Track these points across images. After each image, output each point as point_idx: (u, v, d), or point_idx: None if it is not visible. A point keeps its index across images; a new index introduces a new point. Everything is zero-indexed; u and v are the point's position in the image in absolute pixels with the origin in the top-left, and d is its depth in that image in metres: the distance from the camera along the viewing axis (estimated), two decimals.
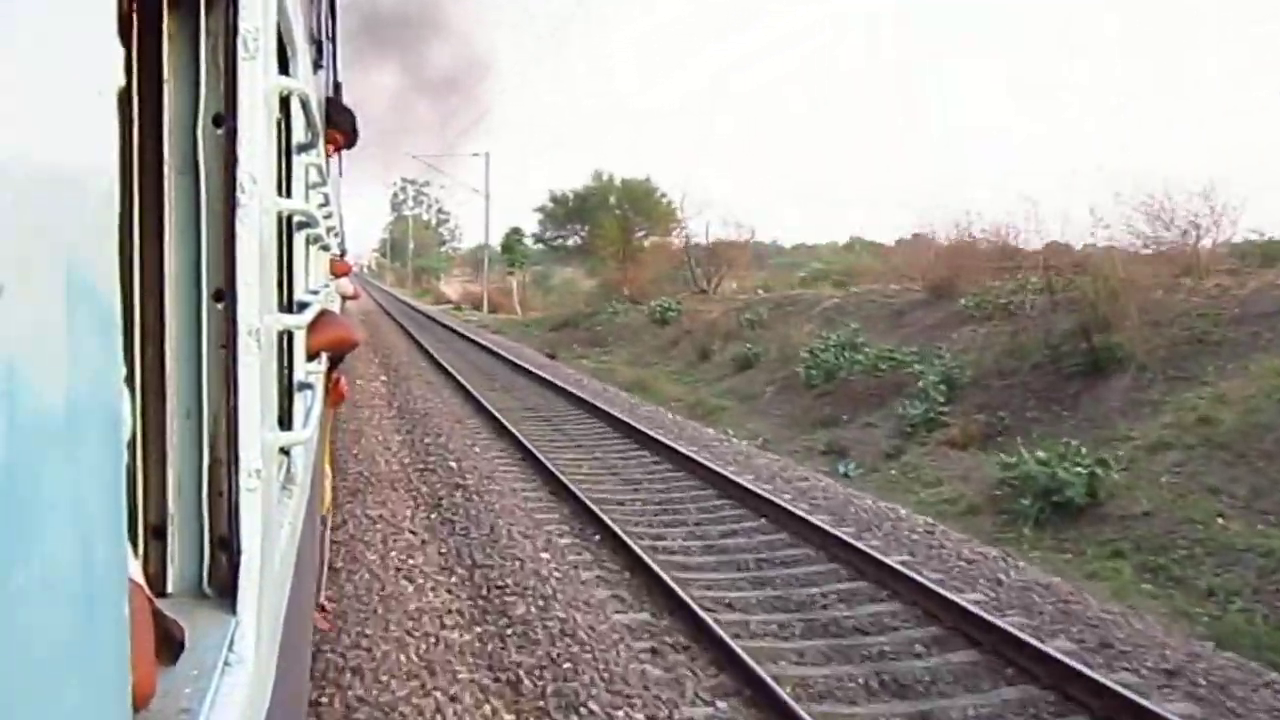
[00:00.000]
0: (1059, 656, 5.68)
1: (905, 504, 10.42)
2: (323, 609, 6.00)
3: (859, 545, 7.87)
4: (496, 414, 14.14)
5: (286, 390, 2.05)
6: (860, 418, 16.05)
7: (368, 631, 6.09)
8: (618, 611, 6.72)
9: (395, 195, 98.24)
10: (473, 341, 28.21)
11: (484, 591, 6.94)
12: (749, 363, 21.54)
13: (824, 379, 17.89)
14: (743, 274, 34.32)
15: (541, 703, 5.29)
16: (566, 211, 47.26)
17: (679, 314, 28.71)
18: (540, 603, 6.69)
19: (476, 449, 11.94)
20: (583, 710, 5.20)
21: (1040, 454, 10.48)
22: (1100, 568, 8.74)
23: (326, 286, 4.47)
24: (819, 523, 8.51)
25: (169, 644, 1.18)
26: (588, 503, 9.14)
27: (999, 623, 6.19)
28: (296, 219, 2.27)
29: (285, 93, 1.77)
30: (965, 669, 5.88)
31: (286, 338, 2.01)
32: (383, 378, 19.03)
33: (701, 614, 6.35)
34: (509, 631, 6.21)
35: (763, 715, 5.22)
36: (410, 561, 7.55)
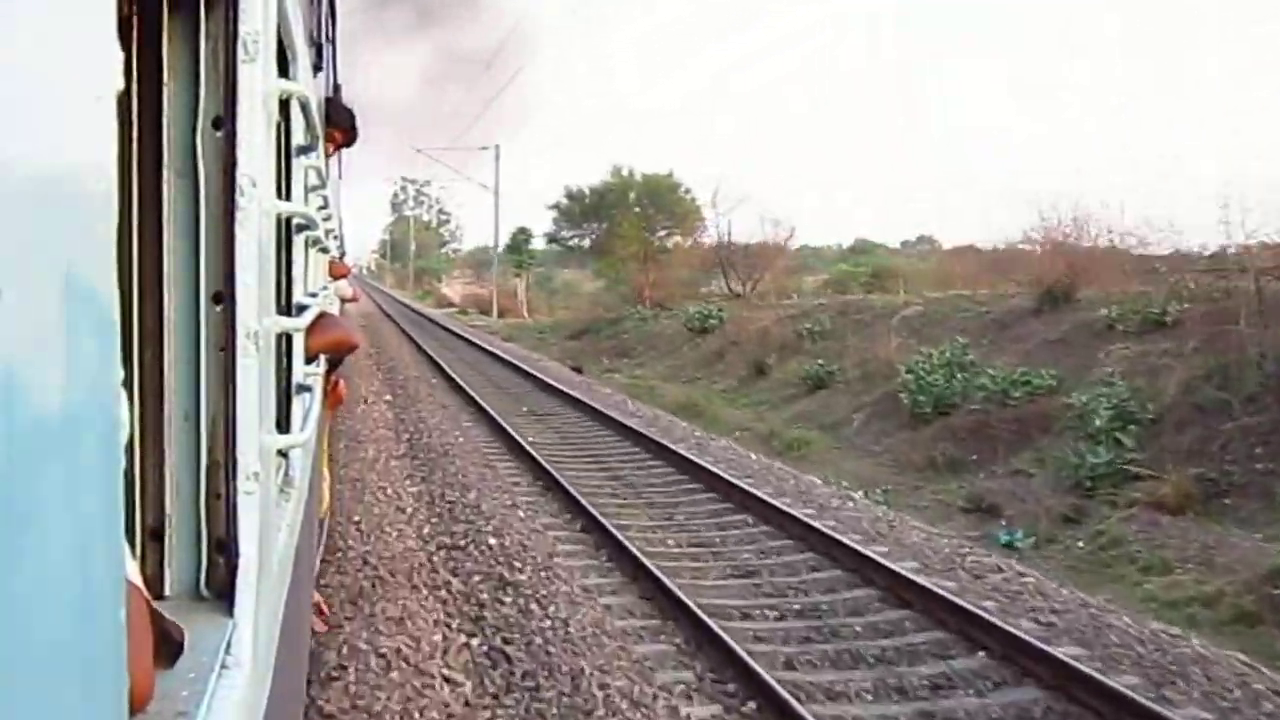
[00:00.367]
0: None
1: (1124, 599, 7.70)
2: (320, 611, 5.99)
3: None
4: (535, 454, 11.25)
5: (285, 393, 2.06)
6: (999, 461, 12.81)
7: None
8: None
9: (395, 195, 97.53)
10: (485, 351, 25.48)
11: None
12: (821, 382, 18.77)
13: (933, 407, 14.89)
14: (782, 277, 31.97)
15: None
16: (584, 209, 45.15)
17: (720, 322, 25.75)
18: None
19: (520, 512, 8.95)
20: None
21: None
22: None
23: (325, 289, 4.47)
24: (1090, 672, 5.33)
25: (167, 646, 1.18)
26: (711, 625, 6.03)
27: None
28: (296, 221, 2.27)
29: (285, 95, 1.78)
30: None
31: (285, 340, 2.02)
32: (387, 398, 16.29)
33: None
34: None
35: None
36: None
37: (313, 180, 3.19)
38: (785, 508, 8.90)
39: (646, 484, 10.66)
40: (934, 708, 5.25)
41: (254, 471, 1.42)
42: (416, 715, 4.99)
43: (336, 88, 6.11)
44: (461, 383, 17.90)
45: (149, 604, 1.15)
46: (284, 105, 1.94)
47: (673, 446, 11.85)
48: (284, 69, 1.93)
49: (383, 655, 5.62)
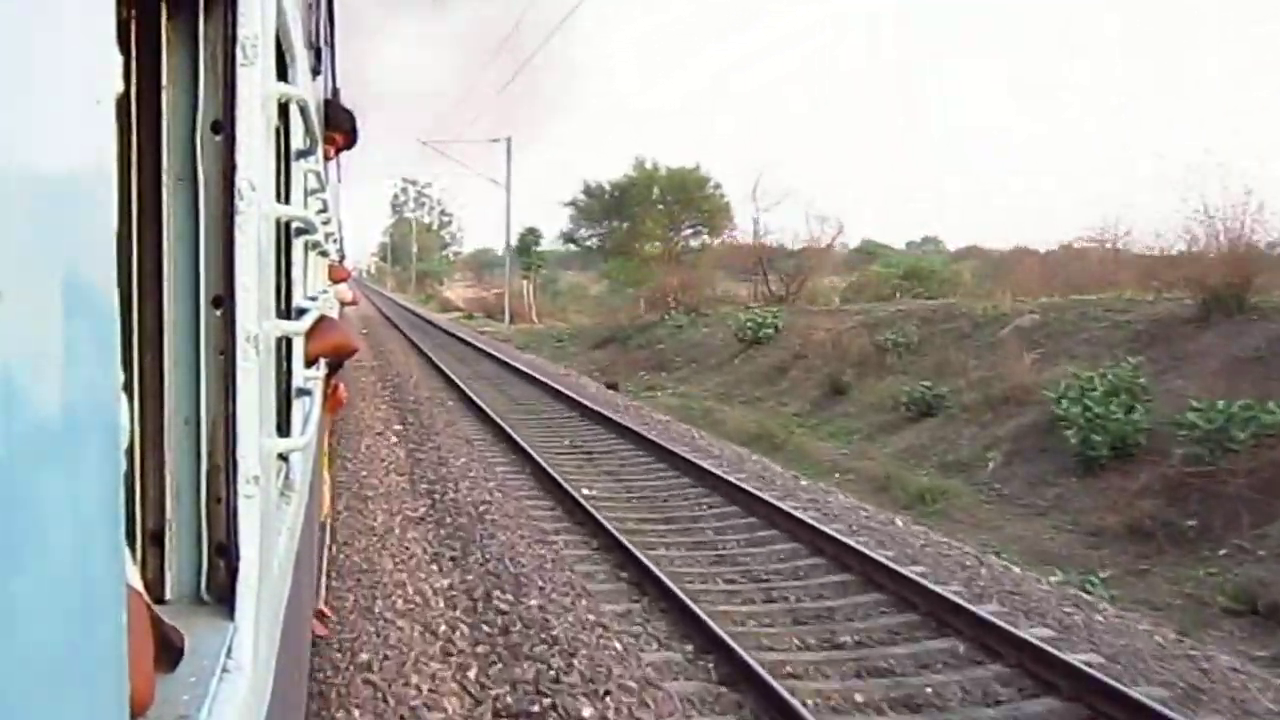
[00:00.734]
0: None
1: None
2: (321, 615, 5.99)
3: None
4: (605, 522, 8.30)
5: (285, 396, 2.05)
6: (1241, 533, 9.43)
7: None
8: None
9: (396, 197, 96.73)
10: (503, 363, 22.35)
11: None
12: (929, 408, 15.48)
13: (1110, 448, 11.74)
14: (830, 279, 29.62)
15: None
16: (604, 205, 42.10)
17: (776, 330, 22.20)
18: None
19: (614, 640, 5.83)
20: None
21: None
22: None
23: (325, 292, 4.47)
24: None
25: (167, 651, 1.18)
26: None
27: None
28: (295, 225, 2.27)
29: (284, 99, 1.78)
30: None
31: (285, 344, 2.01)
32: (397, 427, 13.22)
33: None
34: None
35: None
36: None
37: (312, 184, 3.20)
38: (1005, 624, 6.00)
39: (769, 570, 7.58)
40: None
41: (254, 475, 1.42)
42: None
43: (335, 91, 6.12)
44: (484, 406, 15.06)
45: (149, 608, 1.15)
46: (283, 109, 1.95)
47: (785, 507, 8.84)
48: (283, 72, 1.93)
49: None
